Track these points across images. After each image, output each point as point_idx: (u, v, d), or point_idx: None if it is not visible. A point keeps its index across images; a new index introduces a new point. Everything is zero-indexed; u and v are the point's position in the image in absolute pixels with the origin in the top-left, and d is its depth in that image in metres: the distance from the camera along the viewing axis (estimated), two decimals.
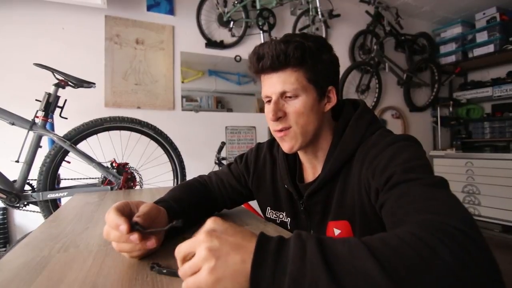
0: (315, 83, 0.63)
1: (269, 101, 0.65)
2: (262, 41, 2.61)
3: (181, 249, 0.36)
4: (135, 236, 0.45)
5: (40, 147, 1.39)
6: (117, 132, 1.52)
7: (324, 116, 0.67)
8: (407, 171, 0.48)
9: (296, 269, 0.29)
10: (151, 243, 0.46)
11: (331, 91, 0.66)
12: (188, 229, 0.60)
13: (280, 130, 0.64)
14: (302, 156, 0.73)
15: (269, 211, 0.79)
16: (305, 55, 0.60)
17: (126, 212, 0.49)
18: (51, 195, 1.35)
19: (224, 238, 0.33)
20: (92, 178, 1.54)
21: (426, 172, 0.48)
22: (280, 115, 0.63)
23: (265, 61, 0.61)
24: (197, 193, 0.75)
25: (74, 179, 1.58)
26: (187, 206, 0.67)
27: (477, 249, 0.31)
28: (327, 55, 0.65)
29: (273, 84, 0.63)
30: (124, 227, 0.44)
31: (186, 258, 0.35)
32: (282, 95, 0.63)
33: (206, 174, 0.86)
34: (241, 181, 0.83)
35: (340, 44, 3.09)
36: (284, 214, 0.76)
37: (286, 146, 0.66)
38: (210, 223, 0.36)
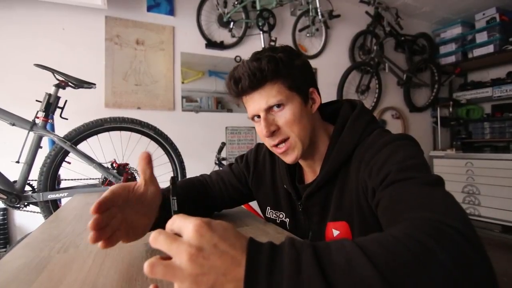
0: (297, 89, 0.64)
1: (258, 120, 0.66)
2: (262, 42, 2.63)
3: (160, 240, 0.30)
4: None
5: (41, 147, 1.39)
6: (117, 132, 1.52)
7: (314, 118, 0.68)
8: (403, 169, 0.48)
9: (292, 286, 0.28)
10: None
11: (313, 93, 0.68)
12: None
13: (279, 144, 0.65)
14: (301, 160, 0.72)
15: (269, 210, 0.80)
16: (279, 66, 0.62)
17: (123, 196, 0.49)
18: (52, 196, 1.35)
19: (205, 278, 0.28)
20: (93, 179, 1.54)
21: (422, 170, 0.48)
22: (273, 129, 0.64)
23: (243, 83, 0.62)
24: (194, 188, 0.76)
25: (75, 179, 1.58)
26: (182, 198, 0.67)
27: (473, 249, 0.31)
28: (298, 60, 0.66)
29: (256, 102, 0.64)
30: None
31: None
32: (269, 110, 0.64)
33: (208, 174, 0.87)
34: (242, 181, 0.83)
35: (340, 44, 3.09)
36: (283, 214, 0.76)
37: (289, 158, 0.66)
38: (196, 239, 0.29)
